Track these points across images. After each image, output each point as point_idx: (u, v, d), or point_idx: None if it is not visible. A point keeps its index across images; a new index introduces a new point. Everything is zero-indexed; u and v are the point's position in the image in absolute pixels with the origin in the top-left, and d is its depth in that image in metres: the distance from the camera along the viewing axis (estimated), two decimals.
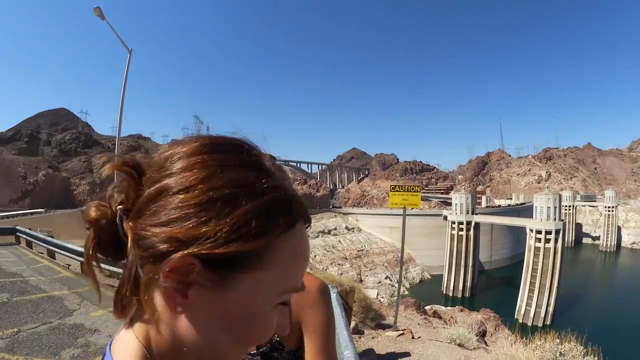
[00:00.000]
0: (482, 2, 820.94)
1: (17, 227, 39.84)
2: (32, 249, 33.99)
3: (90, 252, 1.08)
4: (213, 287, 1.01)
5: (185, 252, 0.96)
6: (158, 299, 1.01)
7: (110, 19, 37.23)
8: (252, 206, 1.02)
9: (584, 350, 12.21)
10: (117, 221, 1.04)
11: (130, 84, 40.42)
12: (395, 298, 30.28)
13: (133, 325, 1.07)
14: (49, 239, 31.07)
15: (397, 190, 18.00)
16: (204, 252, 0.97)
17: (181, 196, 1.00)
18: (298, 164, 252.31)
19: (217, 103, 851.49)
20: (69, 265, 26.39)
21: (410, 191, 17.84)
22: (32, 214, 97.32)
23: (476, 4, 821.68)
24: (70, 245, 26.33)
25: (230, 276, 1.02)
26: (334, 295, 8.41)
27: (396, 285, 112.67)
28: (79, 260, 23.88)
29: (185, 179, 1.00)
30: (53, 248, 28.63)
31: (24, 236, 36.19)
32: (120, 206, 1.05)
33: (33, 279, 21.46)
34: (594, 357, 11.99)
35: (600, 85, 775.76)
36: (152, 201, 1.03)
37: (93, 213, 1.08)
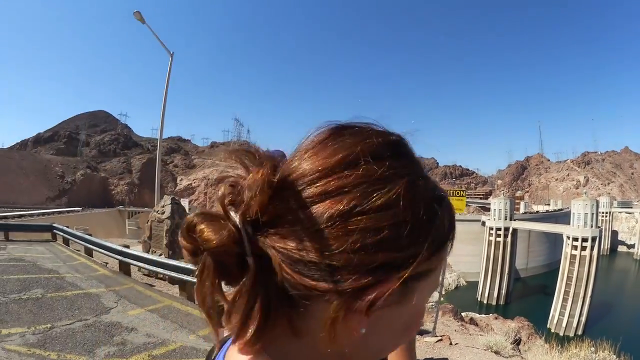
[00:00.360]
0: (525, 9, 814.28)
1: (54, 225, 39.83)
2: (69, 246, 34.14)
3: (211, 285, 0.93)
4: (398, 302, 0.95)
5: (397, 280, 0.91)
6: (338, 325, 0.92)
7: (150, 20, 38.28)
8: (443, 213, 1.00)
9: (617, 359, 12.55)
10: (245, 237, 0.90)
11: (170, 85, 41.15)
12: (433, 303, 30.76)
13: (257, 342, 0.96)
14: (87, 236, 31.05)
15: None
16: (409, 274, 0.92)
17: (381, 213, 0.90)
18: None
19: (258, 105, 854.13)
20: (107, 263, 26.47)
21: (456, 195, 18.15)
22: (68, 212, 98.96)
23: (516, 2, 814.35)
24: (107, 244, 26.53)
25: (414, 287, 0.98)
26: None
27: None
28: (116, 259, 24.14)
29: (385, 194, 0.91)
30: (90, 246, 28.75)
31: (61, 233, 36.16)
32: (249, 218, 0.90)
33: (69, 276, 21.45)
34: None
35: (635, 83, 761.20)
36: (320, 218, 0.90)
37: (211, 234, 0.89)
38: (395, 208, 0.90)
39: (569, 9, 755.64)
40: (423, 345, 15.16)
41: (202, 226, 0.89)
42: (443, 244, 1.00)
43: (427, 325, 17.98)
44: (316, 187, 0.90)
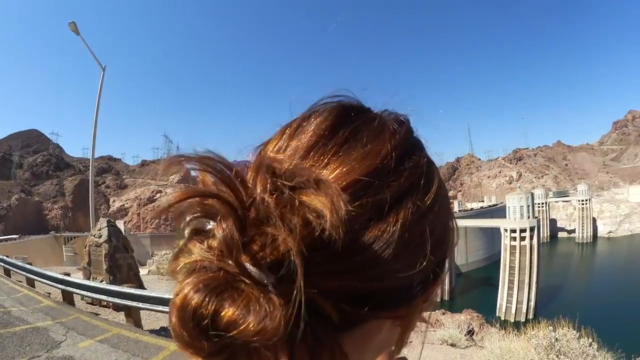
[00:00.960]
0: (448, 5, 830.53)
1: None
2: (10, 277, 33.14)
3: None
4: (404, 319, 0.87)
5: (440, 281, 0.88)
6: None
7: (79, 36, 37.60)
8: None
9: (578, 334, 12.70)
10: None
11: (101, 103, 40.18)
12: None
13: None
14: (28, 266, 30.47)
15: None
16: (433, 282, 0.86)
17: (433, 213, 0.83)
18: None
19: (186, 122, 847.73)
20: (50, 293, 25.66)
21: None
22: (6, 240, 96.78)
23: (441, 8, 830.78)
24: (49, 273, 25.86)
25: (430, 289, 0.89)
26: None
27: None
28: (59, 288, 23.42)
29: (432, 191, 0.83)
30: (32, 276, 27.90)
31: (1, 264, 35.08)
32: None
33: (15, 310, 20.71)
34: (588, 338, 12.47)
35: (567, 83, 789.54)
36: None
37: (253, 320, 0.60)
38: (439, 204, 0.84)
39: (494, 8, 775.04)
40: None
41: (232, 309, 0.59)
42: (448, 252, 0.94)
43: None
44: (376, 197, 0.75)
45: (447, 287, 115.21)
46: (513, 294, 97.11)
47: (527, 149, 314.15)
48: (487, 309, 77.34)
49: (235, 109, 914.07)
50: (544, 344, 12.13)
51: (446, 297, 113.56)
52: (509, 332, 16.62)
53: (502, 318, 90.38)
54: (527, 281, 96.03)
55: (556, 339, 12.26)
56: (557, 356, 11.60)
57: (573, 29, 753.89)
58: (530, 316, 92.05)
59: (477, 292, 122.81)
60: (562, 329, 13.01)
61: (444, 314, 33.02)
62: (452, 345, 15.98)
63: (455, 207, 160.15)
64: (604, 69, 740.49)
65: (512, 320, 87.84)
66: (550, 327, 13.17)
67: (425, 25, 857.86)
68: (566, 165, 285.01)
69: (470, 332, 22.88)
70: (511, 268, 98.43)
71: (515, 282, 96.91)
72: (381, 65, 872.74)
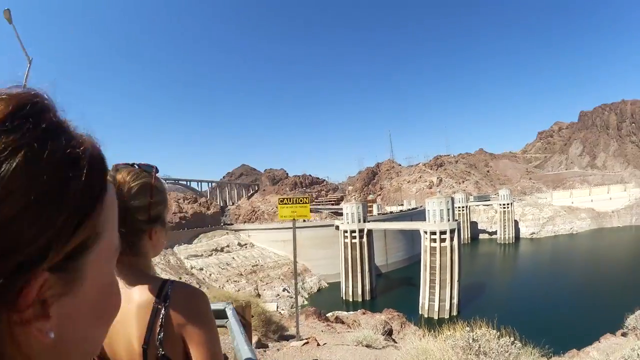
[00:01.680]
0: (371, 16, 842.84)
1: None
2: None
3: None
4: (71, 286, 0.87)
5: (45, 273, 0.83)
6: (21, 341, 0.82)
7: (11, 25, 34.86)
8: (80, 173, 0.90)
9: (498, 333, 11.94)
10: None
11: None
12: (302, 308, 29.65)
13: None
14: None
15: (285, 203, 17.40)
16: (55, 262, 0.84)
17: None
18: (188, 183, 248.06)
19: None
20: None
21: (299, 203, 17.26)
22: None
23: (366, 18, 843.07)
24: None
25: (80, 263, 0.90)
26: (230, 312, 8.02)
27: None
28: None
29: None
30: None
31: None
32: None
33: None
34: (509, 337, 11.69)
35: (491, 95, 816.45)
36: None
37: None
38: (15, 193, 0.77)
39: (416, 9, 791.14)
40: (291, 350, 14.12)
41: None
42: (91, 206, 0.91)
43: (291, 330, 16.92)
44: None
45: (367, 287, 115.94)
46: (435, 293, 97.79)
47: (448, 155, 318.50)
48: (410, 308, 77.94)
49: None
50: (461, 344, 11.21)
51: (367, 297, 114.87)
52: (429, 331, 15.72)
53: (426, 316, 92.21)
54: (448, 280, 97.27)
55: (474, 339, 11.40)
56: (477, 356, 10.66)
57: (497, 40, 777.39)
58: (454, 313, 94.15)
59: (399, 291, 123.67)
60: (480, 329, 12.14)
61: (364, 313, 32.40)
62: (368, 346, 15.22)
63: (375, 211, 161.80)
64: (530, 81, 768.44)
65: (436, 318, 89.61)
66: (468, 328, 12.23)
67: (344, 29, 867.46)
68: (488, 171, 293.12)
69: (389, 332, 21.95)
70: (432, 268, 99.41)
71: (437, 281, 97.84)
72: (302, 72, 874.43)
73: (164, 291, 2.49)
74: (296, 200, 17.45)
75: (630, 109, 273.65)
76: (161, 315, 2.39)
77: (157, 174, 2.69)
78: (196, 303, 2.54)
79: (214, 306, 8.38)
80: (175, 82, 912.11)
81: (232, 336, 7.60)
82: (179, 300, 2.47)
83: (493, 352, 11.00)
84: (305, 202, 17.42)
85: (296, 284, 18.72)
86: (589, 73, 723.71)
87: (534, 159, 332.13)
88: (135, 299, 2.45)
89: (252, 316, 13.00)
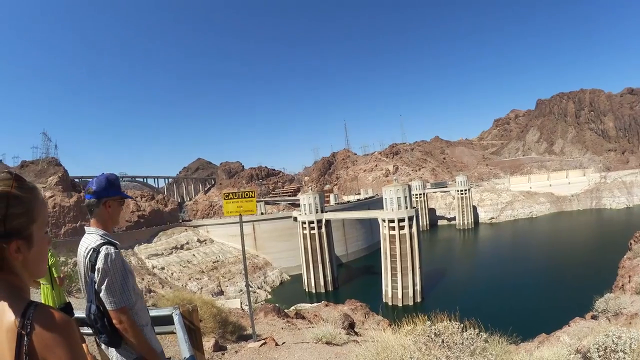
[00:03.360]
0: (324, 9, 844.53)
1: None
2: None
3: None
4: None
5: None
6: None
7: None
8: None
9: (461, 326, 11.55)
10: None
11: None
12: (257, 304, 29.03)
13: None
14: None
15: (231, 198, 16.67)
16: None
17: None
18: (145, 180, 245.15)
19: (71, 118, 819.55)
20: None
21: (245, 197, 16.58)
22: None
23: (319, 11, 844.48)
24: None
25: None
26: (176, 318, 8.30)
27: (257, 291, 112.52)
28: None
29: None
30: None
31: None
32: None
33: None
34: (474, 329, 11.29)
35: (446, 83, 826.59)
36: None
37: None
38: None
39: (373, 11, 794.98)
40: (248, 352, 13.58)
41: None
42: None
43: (249, 330, 16.33)
44: None
45: (329, 277, 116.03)
46: (397, 280, 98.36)
47: (404, 143, 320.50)
48: (373, 297, 78.17)
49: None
50: (423, 340, 10.77)
51: (330, 288, 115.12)
52: (393, 322, 15.28)
53: (390, 304, 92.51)
54: (410, 267, 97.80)
55: (436, 334, 10.97)
56: (441, 350, 10.21)
57: (452, 28, 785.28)
58: (418, 300, 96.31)
59: (361, 280, 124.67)
60: (442, 322, 11.73)
61: (326, 305, 31.90)
62: (328, 343, 14.61)
63: (332, 201, 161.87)
64: (486, 70, 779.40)
65: (401, 305, 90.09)
66: (429, 322, 11.82)
67: (297, 20, 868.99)
68: (444, 159, 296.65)
69: (351, 325, 21.44)
70: (392, 256, 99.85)
71: (398, 269, 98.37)
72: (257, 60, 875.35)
73: (26, 316, 2.43)
74: (241, 194, 16.76)
75: (589, 97, 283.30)
76: (25, 342, 2.37)
77: (19, 183, 2.51)
78: (58, 329, 2.43)
79: (161, 312, 7.89)
80: (128, 79, 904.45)
81: (178, 341, 7.17)
82: (41, 326, 2.40)
83: (458, 346, 10.60)
84: (251, 196, 16.77)
85: (247, 282, 18.09)
86: (546, 63, 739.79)
87: (491, 145, 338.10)
88: (2, 321, 2.43)
89: (201, 320, 12.46)
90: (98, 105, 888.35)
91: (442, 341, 10.86)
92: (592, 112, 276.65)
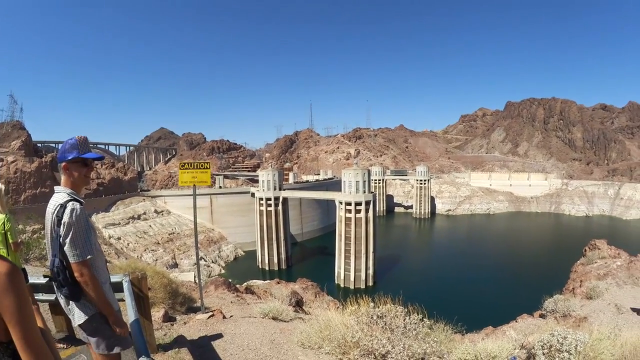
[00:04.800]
0: None
1: None
2: None
3: None
4: None
5: None
6: None
7: None
8: None
9: (405, 310, 12.00)
10: None
11: None
12: (211, 278, 29.34)
13: None
14: None
15: (186, 168, 16.80)
16: None
17: None
18: (106, 147, 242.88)
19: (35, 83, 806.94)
20: None
21: (200, 168, 16.73)
22: None
23: None
24: None
25: None
26: (125, 285, 8.72)
27: (212, 265, 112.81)
28: None
29: None
30: None
31: None
32: None
33: None
34: (417, 314, 11.75)
35: (416, 75, 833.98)
36: None
37: None
38: None
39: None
40: (196, 323, 13.78)
41: None
42: None
43: (199, 303, 16.66)
44: None
45: (283, 255, 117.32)
46: (350, 263, 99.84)
47: (368, 129, 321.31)
48: (326, 277, 78.75)
49: None
50: (365, 320, 11.21)
51: (283, 266, 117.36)
52: (343, 302, 15.79)
53: (342, 285, 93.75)
54: (364, 251, 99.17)
55: (379, 316, 11.42)
56: (384, 332, 10.64)
57: (427, 25, 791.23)
58: (370, 283, 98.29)
59: (315, 260, 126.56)
60: (386, 305, 12.18)
61: (278, 283, 32.40)
62: (274, 318, 14.97)
63: (291, 179, 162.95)
64: (455, 67, 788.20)
65: (352, 288, 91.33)
66: (372, 304, 12.27)
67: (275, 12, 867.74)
68: (407, 147, 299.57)
69: (298, 303, 21.92)
70: (347, 238, 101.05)
71: (352, 252, 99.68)
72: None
73: None
74: (197, 165, 16.85)
75: (560, 106, 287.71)
76: None
77: None
78: (3, 276, 2.55)
79: (113, 278, 8.14)
80: (94, 44, 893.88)
81: (126, 307, 7.49)
82: None
83: (399, 329, 11.00)
84: (206, 168, 16.87)
85: (197, 253, 18.23)
86: (517, 67, 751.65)
87: (455, 139, 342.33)
88: None
89: (150, 289, 12.66)
90: (63, 70, 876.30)
91: (385, 323, 11.25)
92: (561, 121, 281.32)
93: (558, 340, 10.15)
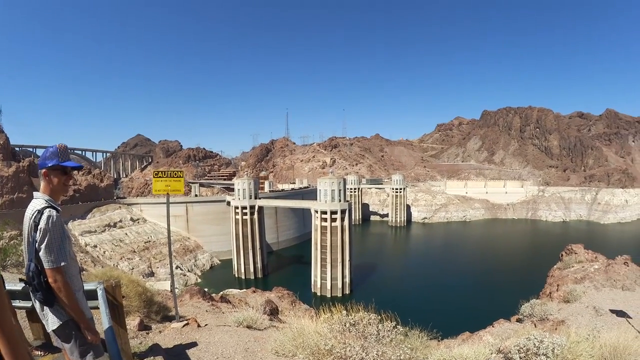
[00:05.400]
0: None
1: None
2: None
3: None
4: None
5: None
6: None
7: None
8: None
9: (379, 317, 12.11)
10: None
11: None
12: (187, 287, 29.32)
13: None
14: None
15: (160, 177, 16.80)
16: None
17: None
18: (83, 152, 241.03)
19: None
20: None
21: (174, 177, 16.73)
22: None
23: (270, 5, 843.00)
24: None
25: None
26: (100, 292, 8.63)
27: (188, 274, 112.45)
28: None
29: None
30: None
31: None
32: None
33: None
34: (391, 322, 11.86)
35: (391, 84, 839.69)
36: None
37: None
38: None
39: (325, 4, 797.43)
40: (171, 332, 13.82)
41: None
42: None
43: (174, 311, 16.68)
44: None
45: (259, 264, 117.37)
46: (327, 271, 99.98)
47: (344, 138, 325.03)
48: (302, 286, 78.71)
49: None
50: (337, 328, 11.31)
51: (260, 275, 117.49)
52: (319, 311, 15.80)
53: (319, 294, 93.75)
54: (340, 259, 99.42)
55: (351, 324, 11.53)
56: (357, 340, 10.75)
57: (403, 35, 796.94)
58: (347, 292, 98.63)
59: (291, 269, 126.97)
60: (359, 313, 12.30)
61: (254, 292, 32.34)
62: (249, 327, 15.04)
63: (266, 188, 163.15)
64: (432, 77, 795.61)
65: (329, 296, 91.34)
66: (345, 312, 12.38)
67: (246, 7, 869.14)
68: (382, 156, 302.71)
69: (273, 312, 21.99)
70: (323, 247, 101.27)
71: (328, 260, 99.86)
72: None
73: None
74: (171, 174, 16.90)
75: (536, 115, 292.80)
76: None
77: None
78: None
79: (86, 286, 8.17)
80: (71, 49, 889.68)
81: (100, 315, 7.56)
82: None
83: (373, 336, 11.09)
84: (180, 177, 16.90)
85: (171, 261, 18.26)
86: (494, 77, 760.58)
87: (431, 148, 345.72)
88: None
89: (124, 297, 12.66)
90: (45, 74, 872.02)
91: (357, 331, 11.36)
92: (537, 129, 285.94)
93: (534, 344, 10.27)
